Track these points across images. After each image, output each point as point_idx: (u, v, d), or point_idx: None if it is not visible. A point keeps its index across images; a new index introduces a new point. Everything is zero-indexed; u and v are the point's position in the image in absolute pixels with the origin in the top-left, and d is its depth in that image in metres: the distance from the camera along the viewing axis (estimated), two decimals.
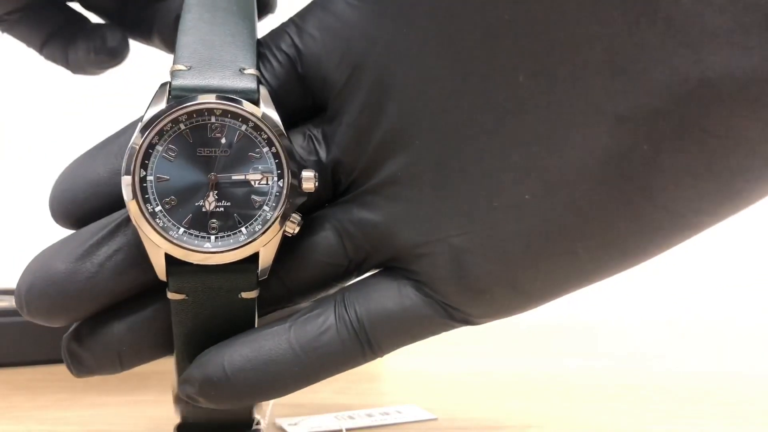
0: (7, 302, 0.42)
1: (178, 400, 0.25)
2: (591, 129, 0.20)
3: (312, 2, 0.25)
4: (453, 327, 0.24)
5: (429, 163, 0.23)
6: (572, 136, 0.20)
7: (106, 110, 0.59)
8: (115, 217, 0.23)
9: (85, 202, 0.23)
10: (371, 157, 0.23)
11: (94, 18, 0.35)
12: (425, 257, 0.23)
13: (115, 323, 0.24)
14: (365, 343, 0.23)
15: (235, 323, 0.24)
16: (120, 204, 0.22)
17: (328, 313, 0.24)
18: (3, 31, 0.33)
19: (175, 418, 0.26)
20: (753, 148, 0.19)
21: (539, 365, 0.43)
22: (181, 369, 0.24)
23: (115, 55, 0.33)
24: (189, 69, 0.23)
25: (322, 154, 0.24)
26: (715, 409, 0.35)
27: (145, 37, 0.34)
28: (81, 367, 0.24)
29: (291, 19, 0.25)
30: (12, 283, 0.47)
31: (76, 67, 0.33)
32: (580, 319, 0.54)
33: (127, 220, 0.23)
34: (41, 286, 0.23)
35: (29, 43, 0.34)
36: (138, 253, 0.23)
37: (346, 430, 0.31)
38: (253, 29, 0.25)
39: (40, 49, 0.34)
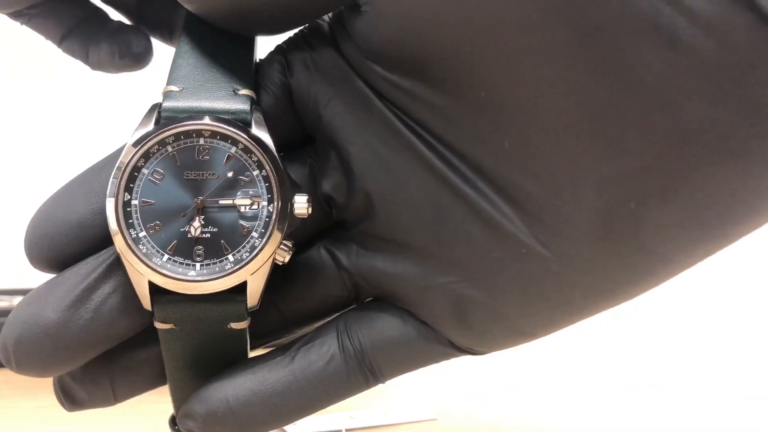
0: (7, 302, 0.42)
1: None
2: (577, 190, 0.19)
3: (299, 34, 0.23)
4: (456, 356, 0.23)
5: (425, 221, 0.22)
6: (560, 197, 0.20)
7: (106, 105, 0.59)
8: (105, 256, 0.21)
9: (68, 246, 0.21)
10: (362, 202, 0.22)
11: (113, 13, 0.35)
12: (426, 301, 0.22)
13: (109, 355, 0.22)
14: (369, 371, 0.23)
15: (227, 353, 0.23)
16: (106, 244, 0.21)
17: (330, 342, 0.23)
18: (22, 23, 0.32)
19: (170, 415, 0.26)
20: (738, 196, 0.18)
21: (539, 365, 0.43)
22: (175, 397, 0.23)
23: (139, 60, 0.32)
24: (181, 90, 0.21)
25: (319, 182, 0.23)
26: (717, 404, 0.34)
27: (166, 37, 0.33)
28: (73, 401, 0.23)
29: (280, 49, 0.23)
30: (10, 284, 0.47)
31: (96, 65, 0.32)
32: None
33: (119, 258, 0.21)
34: (32, 338, 0.21)
35: (48, 36, 0.33)
36: (134, 292, 0.21)
37: (346, 430, 0.31)
38: (251, 50, 0.23)
39: (59, 42, 0.32)
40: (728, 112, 0.17)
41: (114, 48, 0.32)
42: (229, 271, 0.21)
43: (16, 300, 0.44)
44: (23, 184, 0.57)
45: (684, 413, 0.34)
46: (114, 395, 0.23)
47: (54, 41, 0.33)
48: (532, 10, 0.18)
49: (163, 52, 0.33)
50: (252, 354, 0.24)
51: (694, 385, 0.39)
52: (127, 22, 0.34)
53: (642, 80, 0.17)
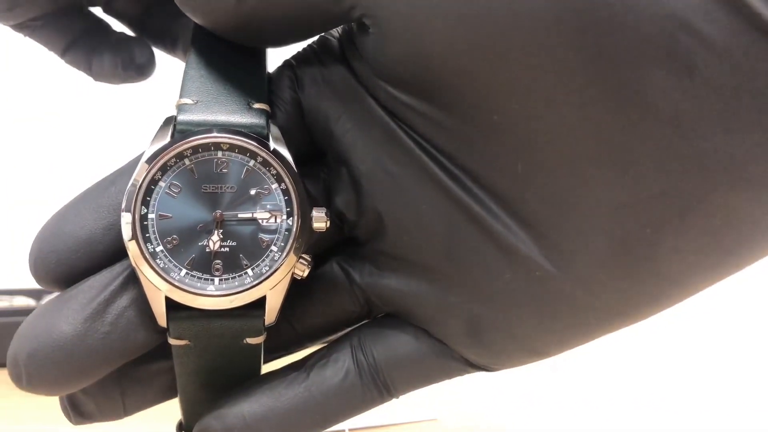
0: (7, 302, 0.42)
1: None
2: (592, 215, 0.19)
3: (309, 49, 0.23)
4: (470, 372, 0.23)
5: (437, 241, 0.21)
6: (574, 221, 0.19)
7: (86, 112, 0.58)
8: (119, 269, 0.21)
9: (77, 261, 0.20)
10: (373, 220, 0.22)
11: (116, 24, 0.34)
12: (439, 320, 0.22)
13: (120, 368, 0.22)
14: (383, 387, 0.23)
15: (240, 367, 0.22)
16: (116, 260, 0.20)
17: (345, 358, 0.23)
18: (26, 35, 0.31)
19: (176, 417, 0.26)
20: (754, 222, 0.18)
21: (539, 366, 0.43)
22: (186, 410, 0.23)
23: (142, 71, 0.32)
24: (195, 103, 0.21)
25: (331, 198, 0.23)
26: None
27: (169, 48, 0.33)
28: (81, 414, 0.22)
29: (290, 64, 0.23)
30: (10, 284, 0.47)
31: (99, 76, 0.32)
32: None
33: (134, 272, 0.20)
34: (46, 352, 0.20)
35: (51, 48, 0.32)
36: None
37: (349, 429, 0.31)
38: (263, 62, 0.23)
39: (62, 54, 0.32)
40: (745, 139, 0.17)
41: (117, 59, 0.32)
42: (249, 285, 0.20)
43: (16, 300, 0.44)
44: (21, 185, 0.56)
45: (685, 413, 0.33)
46: (124, 408, 0.23)
47: (57, 53, 0.33)
48: (544, 36, 0.17)
49: (165, 63, 0.33)
50: (263, 368, 0.23)
51: (695, 386, 0.39)
52: (130, 33, 0.34)
53: (658, 107, 0.17)
